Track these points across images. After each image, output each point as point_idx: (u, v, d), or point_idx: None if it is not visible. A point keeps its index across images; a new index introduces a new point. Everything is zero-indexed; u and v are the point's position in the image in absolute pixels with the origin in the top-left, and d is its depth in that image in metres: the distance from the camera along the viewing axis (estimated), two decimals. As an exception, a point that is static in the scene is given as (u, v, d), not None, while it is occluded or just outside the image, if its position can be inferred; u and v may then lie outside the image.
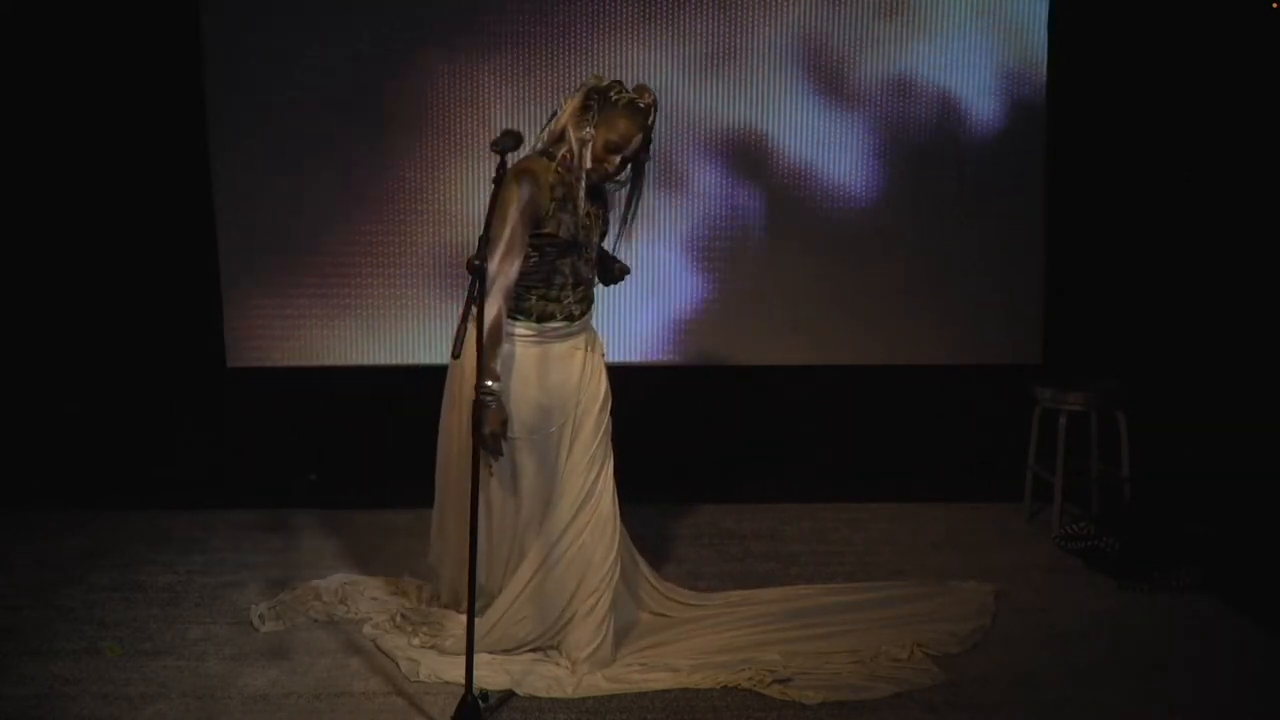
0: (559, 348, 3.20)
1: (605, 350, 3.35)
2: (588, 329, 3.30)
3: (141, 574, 3.92)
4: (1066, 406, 4.28)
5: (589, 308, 3.29)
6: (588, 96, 3.10)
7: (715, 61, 4.85)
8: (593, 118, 3.08)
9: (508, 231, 2.98)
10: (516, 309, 3.13)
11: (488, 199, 2.85)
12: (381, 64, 4.78)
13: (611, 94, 3.09)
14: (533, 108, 4.77)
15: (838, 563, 4.06)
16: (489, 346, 2.94)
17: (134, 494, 4.77)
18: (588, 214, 3.15)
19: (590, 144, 3.08)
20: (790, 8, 4.84)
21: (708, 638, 3.34)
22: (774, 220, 4.98)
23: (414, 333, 4.94)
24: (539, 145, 3.17)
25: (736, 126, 4.90)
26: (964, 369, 5.10)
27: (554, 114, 3.17)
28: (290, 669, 3.19)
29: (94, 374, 4.94)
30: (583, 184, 3.10)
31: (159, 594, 3.75)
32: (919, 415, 5.12)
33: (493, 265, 2.94)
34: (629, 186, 3.24)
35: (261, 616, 3.51)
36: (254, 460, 5.00)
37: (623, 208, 3.28)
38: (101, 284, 4.91)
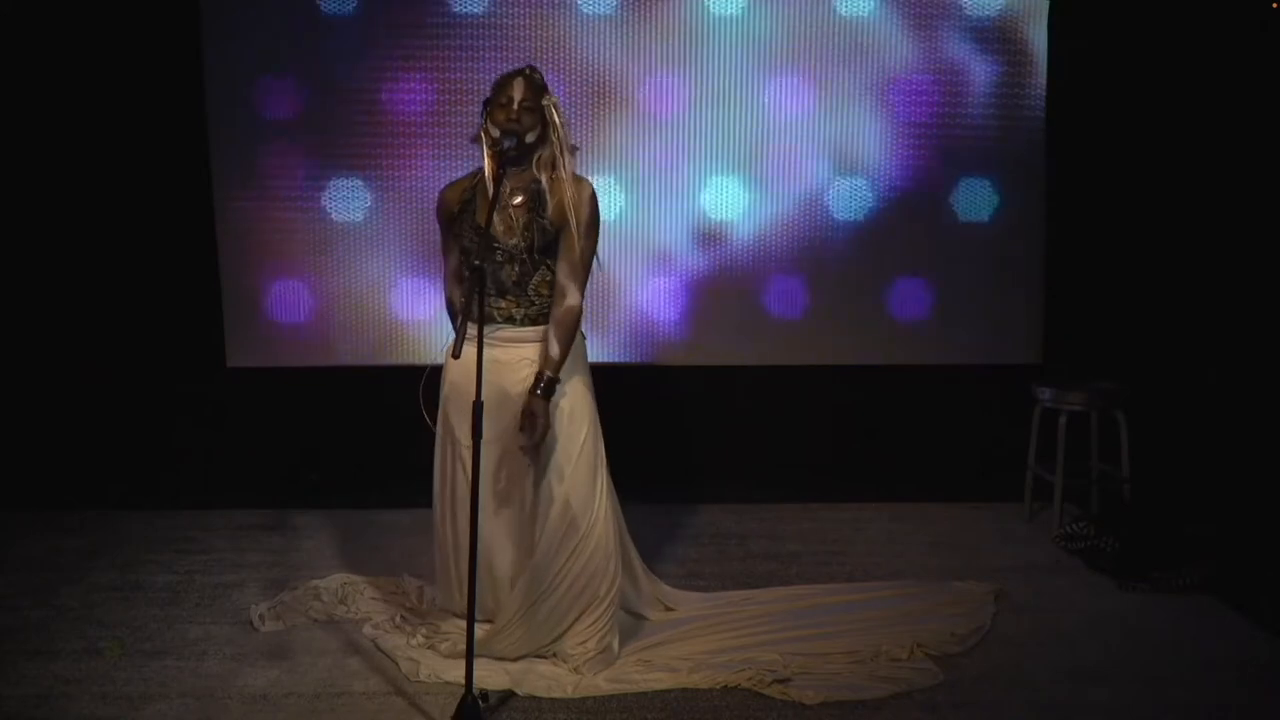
0: (504, 355, 3.14)
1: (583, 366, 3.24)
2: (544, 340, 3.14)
3: (141, 574, 3.92)
4: (1066, 406, 4.28)
5: (537, 316, 3.15)
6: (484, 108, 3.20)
7: (704, 59, 4.85)
8: (485, 113, 3.17)
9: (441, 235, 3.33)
10: (464, 310, 2.97)
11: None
12: (382, 61, 4.78)
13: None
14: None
15: (838, 563, 4.06)
16: (459, 327, 2.96)
17: (134, 494, 4.77)
18: (509, 211, 3.10)
19: (486, 127, 3.12)
20: (790, 6, 4.84)
21: (708, 638, 3.34)
22: (773, 220, 4.97)
23: (415, 333, 4.94)
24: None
25: (737, 127, 4.89)
26: (964, 369, 5.10)
27: None
28: (290, 669, 3.19)
29: (94, 374, 4.94)
30: (499, 181, 3.04)
31: (159, 594, 3.74)
32: (919, 415, 5.12)
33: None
34: (545, 130, 3.12)
35: (261, 616, 3.51)
36: (254, 460, 5.00)
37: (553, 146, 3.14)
38: (102, 284, 4.91)
